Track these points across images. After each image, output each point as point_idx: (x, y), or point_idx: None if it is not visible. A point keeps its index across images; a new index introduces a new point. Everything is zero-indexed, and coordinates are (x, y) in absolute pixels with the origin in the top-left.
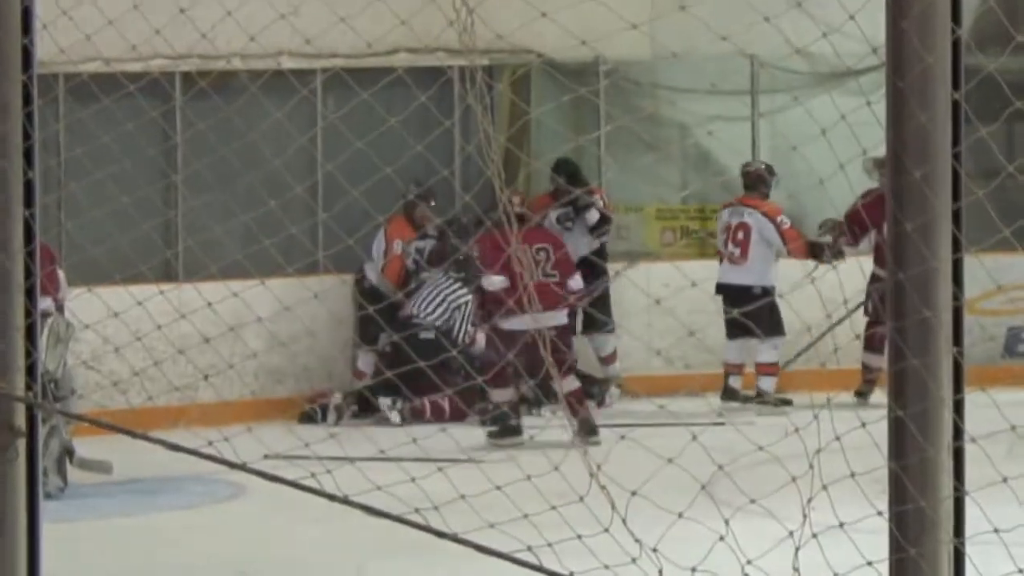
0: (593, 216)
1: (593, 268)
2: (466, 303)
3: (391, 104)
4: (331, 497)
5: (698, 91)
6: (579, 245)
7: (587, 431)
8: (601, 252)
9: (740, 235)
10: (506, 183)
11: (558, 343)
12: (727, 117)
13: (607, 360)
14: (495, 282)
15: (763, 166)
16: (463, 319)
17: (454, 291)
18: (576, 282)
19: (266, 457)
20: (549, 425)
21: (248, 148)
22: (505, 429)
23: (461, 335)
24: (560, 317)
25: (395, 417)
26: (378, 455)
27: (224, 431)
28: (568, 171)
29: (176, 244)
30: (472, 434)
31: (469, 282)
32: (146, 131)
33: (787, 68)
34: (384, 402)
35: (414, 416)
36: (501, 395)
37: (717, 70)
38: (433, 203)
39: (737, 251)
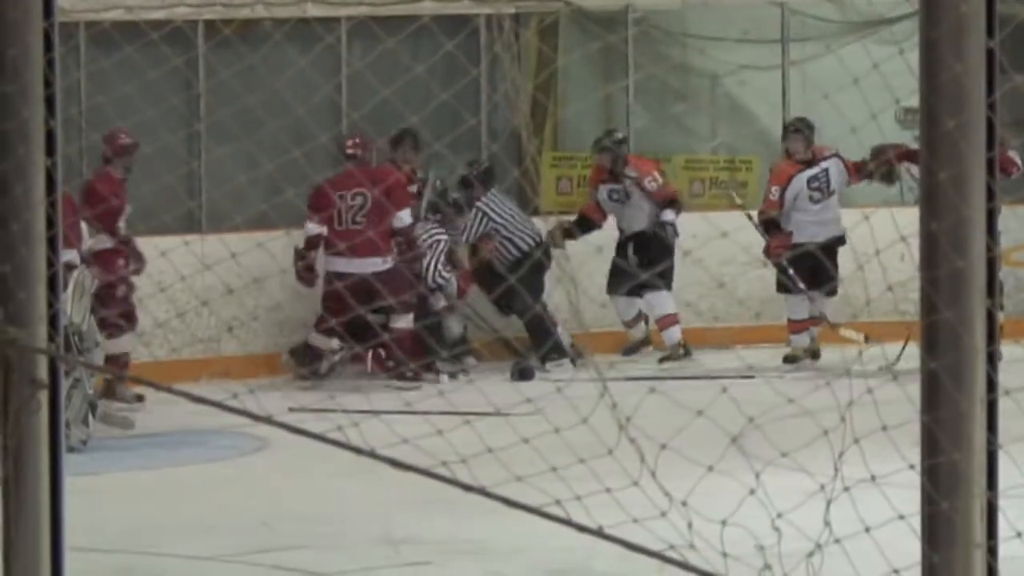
0: (669, 215)
1: (650, 242)
2: (438, 242)
3: (417, 53)
4: (357, 450)
5: (728, 39)
6: (634, 220)
7: (400, 376)
8: (663, 226)
9: None
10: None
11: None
12: (758, 66)
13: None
14: (309, 228)
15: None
16: (434, 259)
17: (428, 231)
18: (400, 220)
19: (291, 410)
20: (577, 378)
21: (272, 97)
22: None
23: (431, 274)
24: (376, 263)
25: (324, 367)
26: (405, 408)
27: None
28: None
29: (199, 194)
30: (501, 387)
31: (444, 224)
32: (169, 80)
33: (819, 16)
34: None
35: (352, 362)
36: (319, 340)
37: (748, 18)
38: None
39: None
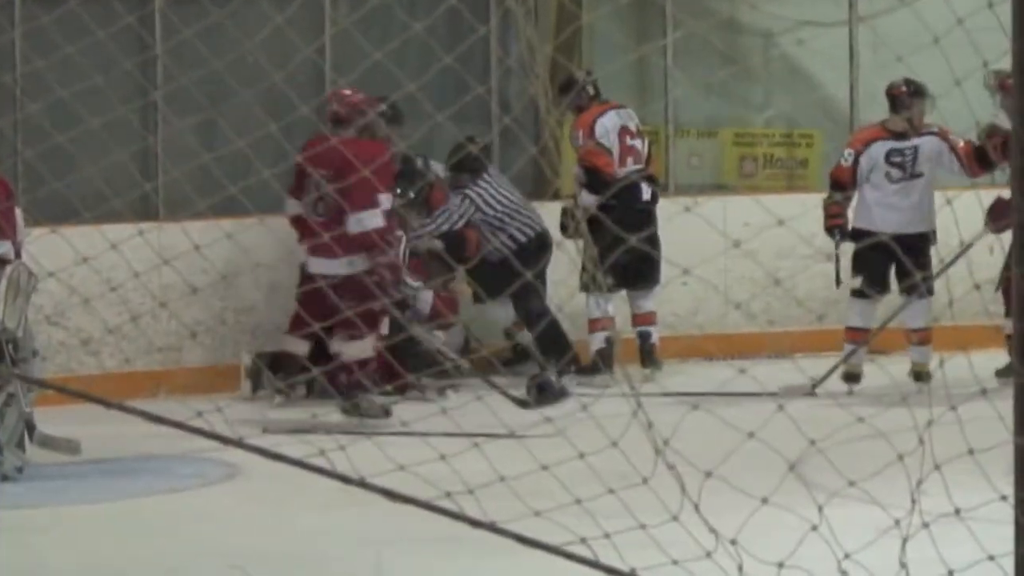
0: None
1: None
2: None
3: (414, 8)
4: (344, 479)
5: None
6: None
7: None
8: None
9: None
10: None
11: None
12: (819, 22)
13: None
14: (289, 205)
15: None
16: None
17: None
18: (358, 222)
19: (266, 432)
20: (606, 393)
21: (242, 61)
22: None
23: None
24: (332, 266)
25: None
26: (400, 428)
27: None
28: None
29: (157, 175)
30: (513, 406)
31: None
32: (120, 40)
33: None
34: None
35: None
36: (292, 344)
37: None
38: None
39: None
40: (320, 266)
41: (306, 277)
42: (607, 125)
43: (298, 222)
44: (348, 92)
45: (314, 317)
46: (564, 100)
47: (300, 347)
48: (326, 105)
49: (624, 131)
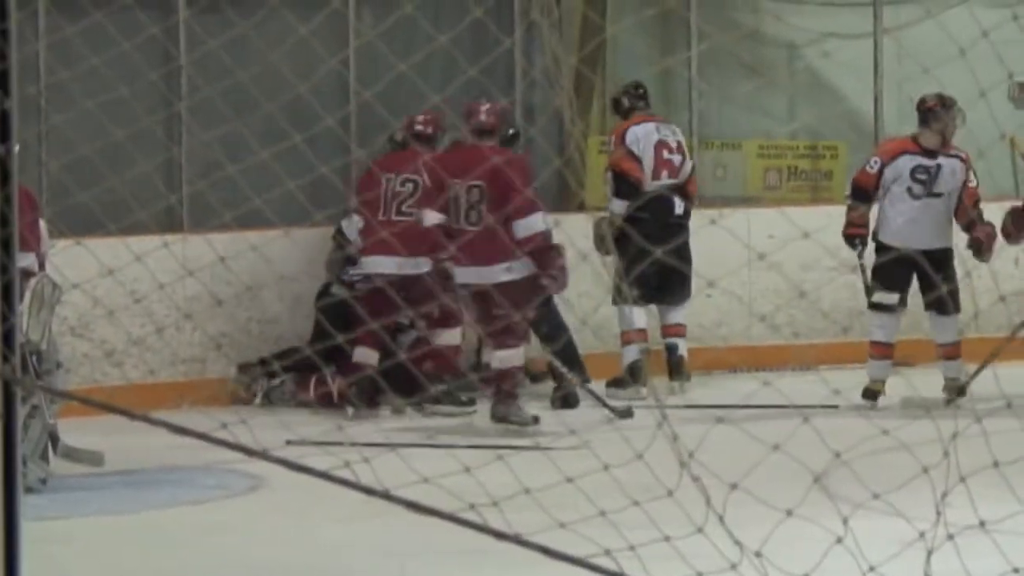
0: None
1: None
2: None
3: (439, 20)
4: (368, 491)
5: (810, 3)
6: None
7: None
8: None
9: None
10: (578, 114)
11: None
12: (844, 34)
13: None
14: (353, 222)
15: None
16: None
17: None
18: (431, 216)
19: (289, 443)
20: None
21: (267, 72)
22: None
23: None
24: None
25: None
26: (425, 440)
27: (240, 412)
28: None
29: (181, 187)
30: (540, 416)
31: None
32: (145, 51)
33: None
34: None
35: (292, 396)
36: (363, 355)
37: None
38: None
39: None
40: (470, 275)
41: (372, 287)
42: (639, 134)
43: (434, 233)
44: (487, 104)
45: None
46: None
47: (372, 358)
48: (468, 117)
49: (661, 144)
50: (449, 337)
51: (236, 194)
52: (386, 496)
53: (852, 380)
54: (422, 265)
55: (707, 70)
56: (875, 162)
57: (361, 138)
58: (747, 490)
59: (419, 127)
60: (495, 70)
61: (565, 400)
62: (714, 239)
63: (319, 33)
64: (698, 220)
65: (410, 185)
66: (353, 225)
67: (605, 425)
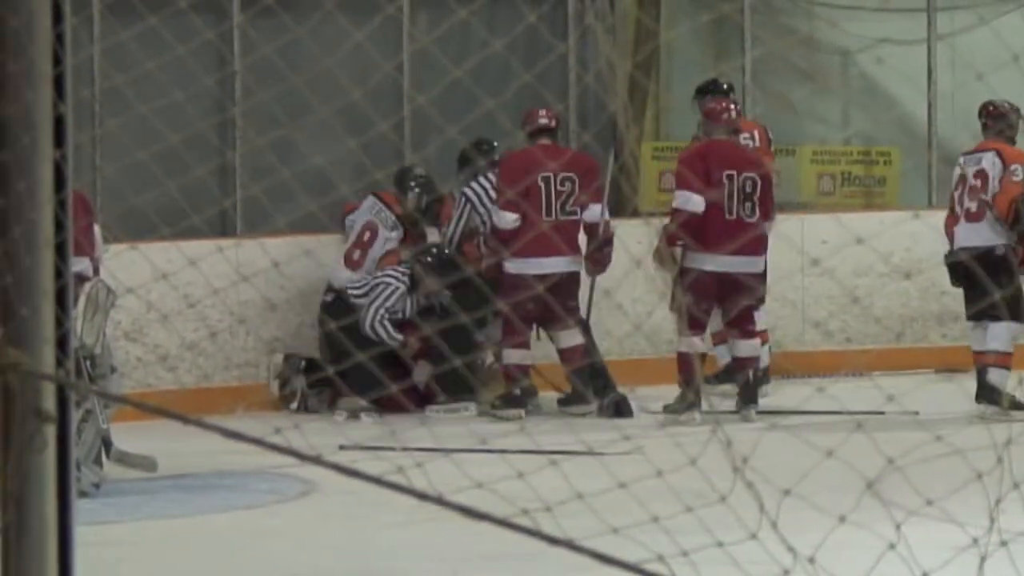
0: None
1: None
2: (386, 286)
3: (493, 24)
4: (422, 496)
5: (863, 9)
6: None
7: (575, 400)
8: None
9: (979, 185)
10: (632, 120)
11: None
12: (898, 40)
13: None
14: (508, 220)
15: (1007, 104)
16: (376, 304)
17: (384, 270)
18: (596, 212)
19: (342, 448)
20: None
21: (321, 76)
22: (509, 398)
23: (367, 322)
24: (569, 263)
25: (338, 416)
26: (478, 445)
27: (293, 416)
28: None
29: (235, 192)
30: (593, 422)
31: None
32: (199, 56)
33: None
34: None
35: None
36: (512, 356)
37: None
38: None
39: (974, 205)
40: (733, 264)
41: (518, 285)
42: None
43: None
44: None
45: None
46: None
47: (527, 358)
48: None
49: None
50: (572, 337)
51: (290, 199)
52: (439, 501)
53: (905, 386)
54: (580, 262)
55: (761, 76)
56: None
57: (415, 142)
58: (800, 496)
59: (543, 120)
60: (549, 75)
61: (617, 408)
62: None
63: (373, 38)
64: None
65: (569, 184)
66: (507, 222)
67: (658, 430)
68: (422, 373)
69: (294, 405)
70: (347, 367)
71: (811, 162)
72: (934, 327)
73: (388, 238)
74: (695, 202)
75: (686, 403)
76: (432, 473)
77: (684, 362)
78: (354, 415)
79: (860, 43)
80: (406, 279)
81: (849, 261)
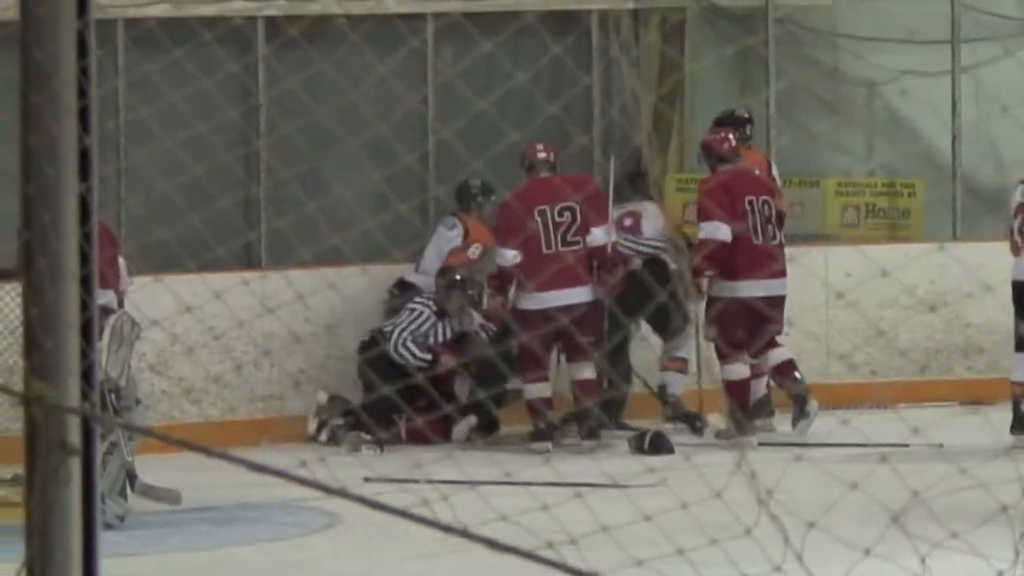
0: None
1: None
2: (419, 313)
3: (518, 57)
4: (447, 528)
5: (888, 41)
6: None
7: (588, 433)
8: None
9: None
10: (657, 152)
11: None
12: (923, 72)
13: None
14: (507, 257)
15: None
16: (400, 326)
17: (415, 299)
18: (598, 235)
19: (367, 481)
20: (706, 443)
21: (346, 109)
22: (536, 432)
23: (392, 345)
24: (578, 294)
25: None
26: (503, 478)
27: (318, 449)
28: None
29: (260, 224)
30: (617, 455)
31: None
32: (224, 89)
33: (996, 11)
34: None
35: (438, 433)
36: (534, 390)
37: (911, 14)
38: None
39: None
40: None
41: (531, 320)
42: None
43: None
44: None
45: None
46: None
47: (546, 390)
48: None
49: None
50: (585, 370)
51: (314, 231)
52: (464, 533)
53: (930, 419)
54: (598, 292)
55: (786, 108)
56: None
57: (440, 174)
58: (825, 528)
59: (541, 154)
60: (574, 108)
61: (653, 443)
62: (792, 277)
63: (398, 71)
64: None
65: (568, 214)
66: (506, 259)
67: (683, 463)
68: (463, 388)
69: (323, 437)
70: (374, 400)
71: (835, 194)
72: (959, 359)
73: (449, 237)
74: (724, 231)
75: (742, 428)
76: (457, 506)
77: (733, 389)
78: (355, 448)
79: (885, 75)
80: (433, 306)
81: (874, 293)
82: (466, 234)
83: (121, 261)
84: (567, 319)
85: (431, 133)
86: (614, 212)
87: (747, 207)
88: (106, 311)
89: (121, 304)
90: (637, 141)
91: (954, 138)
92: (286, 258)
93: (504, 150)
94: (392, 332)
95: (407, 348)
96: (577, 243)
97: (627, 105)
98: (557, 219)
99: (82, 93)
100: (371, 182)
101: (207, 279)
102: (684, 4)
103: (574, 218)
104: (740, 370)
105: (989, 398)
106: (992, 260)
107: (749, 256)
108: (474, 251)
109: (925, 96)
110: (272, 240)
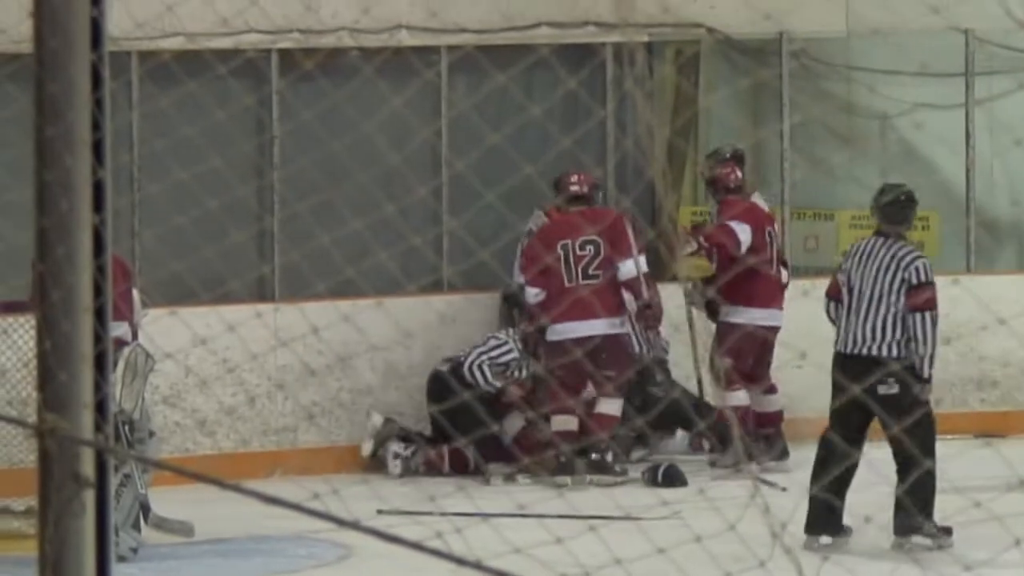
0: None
1: None
2: (496, 339)
3: (531, 89)
4: (460, 561)
5: (902, 74)
6: None
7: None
8: None
9: None
10: (671, 186)
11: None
12: (937, 105)
13: None
14: (530, 295)
15: None
16: (480, 348)
17: (499, 350)
18: (628, 267)
19: (380, 513)
20: (722, 475)
21: (360, 142)
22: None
23: (468, 364)
24: (601, 326)
25: (395, 467)
26: (516, 511)
27: (331, 481)
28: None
29: (274, 257)
30: (629, 487)
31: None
32: (238, 121)
33: (1010, 45)
34: (392, 448)
35: (428, 467)
36: (557, 422)
37: (925, 48)
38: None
39: None
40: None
41: (555, 351)
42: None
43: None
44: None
45: (576, 384)
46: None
47: (571, 423)
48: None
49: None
50: (607, 404)
51: (328, 264)
52: (477, 566)
53: (943, 451)
54: (624, 324)
55: (800, 141)
56: None
57: (453, 207)
58: (838, 561)
59: (574, 187)
60: (588, 141)
61: (667, 476)
62: (807, 309)
63: (412, 103)
64: (790, 291)
65: (590, 247)
66: (531, 297)
67: (696, 495)
68: (512, 424)
69: (397, 470)
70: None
71: (850, 227)
72: (973, 392)
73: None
74: (746, 235)
75: (749, 453)
76: (470, 538)
77: (740, 415)
78: (510, 478)
79: (898, 108)
80: (519, 343)
81: None
82: None
83: (135, 293)
84: (584, 351)
85: (445, 166)
86: None
87: (767, 238)
88: (120, 343)
89: (135, 336)
90: (651, 175)
91: (968, 171)
92: (300, 291)
93: (518, 183)
94: (471, 352)
95: (481, 370)
96: (598, 276)
97: (641, 138)
98: (579, 252)
99: (96, 126)
100: (385, 215)
101: (221, 312)
102: (698, 37)
103: (596, 251)
104: (745, 397)
105: (1003, 431)
106: (1006, 293)
107: (765, 285)
108: None
109: (939, 129)
110: (286, 273)
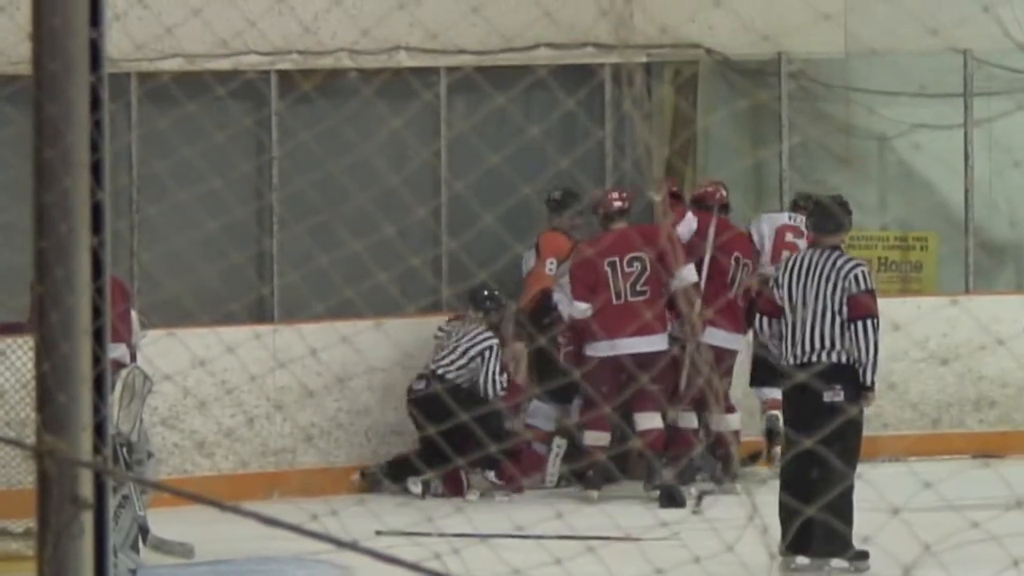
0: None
1: None
2: (489, 348)
3: (530, 110)
4: None
5: (900, 95)
6: None
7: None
8: None
9: None
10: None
11: (648, 372)
12: (935, 125)
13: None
14: (579, 309)
15: None
16: (489, 369)
17: (474, 336)
18: (686, 275)
19: (379, 534)
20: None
21: (359, 163)
22: (587, 479)
23: (490, 388)
24: (648, 343)
25: (415, 488)
26: (515, 531)
27: (330, 502)
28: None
29: (273, 278)
30: (628, 508)
31: (496, 325)
32: (237, 142)
33: (1008, 66)
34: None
35: (450, 489)
36: (589, 436)
37: (923, 69)
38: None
39: None
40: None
41: (597, 367)
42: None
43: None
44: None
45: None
46: None
47: (603, 439)
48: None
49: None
50: (648, 420)
51: (327, 285)
52: None
53: (941, 472)
54: (667, 341)
55: (798, 161)
56: None
57: (452, 228)
58: None
59: (617, 203)
60: (586, 161)
61: (670, 497)
62: None
63: (411, 125)
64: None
65: (637, 264)
66: (579, 311)
67: (694, 516)
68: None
69: (417, 489)
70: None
71: (848, 248)
72: (971, 412)
73: (526, 258)
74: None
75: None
76: (469, 559)
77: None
78: (487, 493)
79: (897, 128)
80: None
81: (885, 346)
82: (537, 253)
83: (133, 315)
84: (633, 367)
85: (444, 186)
86: None
87: (733, 262)
88: (118, 365)
89: (133, 358)
90: (649, 194)
91: (967, 192)
92: (299, 312)
93: (516, 203)
94: (487, 372)
95: (495, 384)
96: (645, 293)
97: (639, 159)
98: (627, 269)
99: (95, 147)
100: (384, 236)
101: (220, 333)
102: (697, 58)
103: (643, 268)
104: (737, 420)
105: (1001, 451)
106: (1005, 313)
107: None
108: (550, 267)
109: (938, 150)
110: (285, 294)
